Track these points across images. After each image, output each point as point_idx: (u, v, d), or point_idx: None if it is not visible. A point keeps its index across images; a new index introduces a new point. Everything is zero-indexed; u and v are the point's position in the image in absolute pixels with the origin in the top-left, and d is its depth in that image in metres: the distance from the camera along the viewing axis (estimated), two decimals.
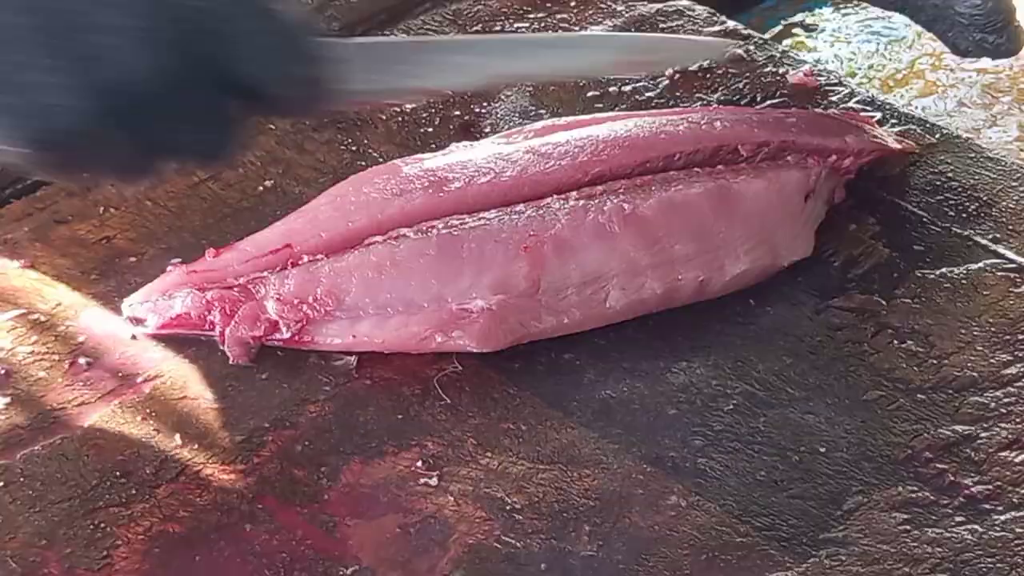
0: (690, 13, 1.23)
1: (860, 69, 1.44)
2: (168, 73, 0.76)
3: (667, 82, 1.16)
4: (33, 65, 0.74)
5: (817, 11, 1.24)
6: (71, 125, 0.75)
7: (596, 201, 0.96)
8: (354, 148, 1.09)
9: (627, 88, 1.15)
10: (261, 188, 1.06)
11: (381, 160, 1.07)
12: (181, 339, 0.95)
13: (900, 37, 1.42)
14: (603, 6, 1.24)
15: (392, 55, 0.88)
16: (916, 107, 1.41)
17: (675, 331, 0.96)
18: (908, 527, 0.84)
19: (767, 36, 1.27)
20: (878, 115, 1.12)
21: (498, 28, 1.21)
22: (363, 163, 1.07)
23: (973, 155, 1.09)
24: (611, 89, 1.15)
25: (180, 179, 1.06)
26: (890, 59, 1.44)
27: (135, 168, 0.81)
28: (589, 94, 1.14)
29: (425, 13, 1.23)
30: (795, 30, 1.29)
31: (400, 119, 1.12)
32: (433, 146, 1.08)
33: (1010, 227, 1.03)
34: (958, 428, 0.90)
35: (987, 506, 0.85)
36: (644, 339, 0.95)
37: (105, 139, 0.77)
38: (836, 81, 1.16)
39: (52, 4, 0.73)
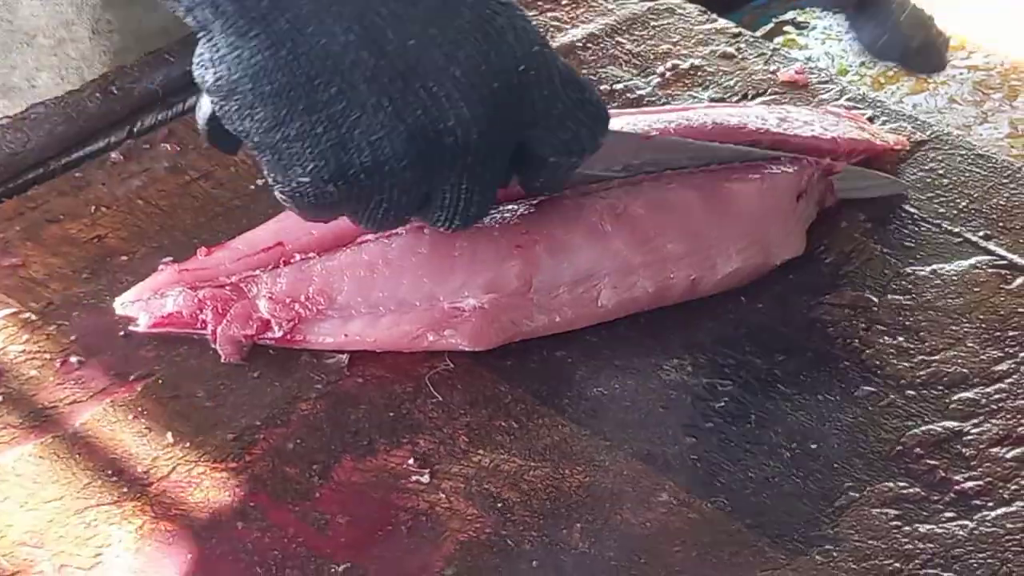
0: (681, 11, 1.24)
1: (851, 67, 1.45)
2: (478, 130, 0.80)
3: (659, 80, 1.16)
4: (361, 101, 0.78)
5: (808, 9, 1.24)
6: (377, 163, 0.80)
7: (589, 199, 0.96)
8: None
9: (619, 86, 1.15)
10: (252, 187, 1.06)
11: None
12: (173, 337, 0.95)
13: None
14: (595, 4, 1.24)
15: (618, 147, 0.95)
16: (907, 104, 1.42)
17: (667, 329, 0.96)
18: (899, 523, 0.84)
19: (758, 34, 1.27)
20: (869, 112, 1.12)
21: None
22: None
23: (964, 152, 1.09)
24: (602, 87, 1.15)
25: (171, 178, 1.06)
26: None
27: (392, 219, 0.86)
28: None
29: None
30: (786, 28, 1.30)
31: None
32: None
33: (1001, 224, 1.03)
34: (949, 424, 0.90)
35: (978, 502, 0.86)
36: (636, 337, 0.95)
37: (396, 183, 0.81)
38: (827, 79, 1.17)
39: (394, 45, 0.77)
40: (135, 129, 1.10)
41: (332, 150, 0.79)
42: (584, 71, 1.17)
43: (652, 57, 1.18)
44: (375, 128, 0.79)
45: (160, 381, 0.92)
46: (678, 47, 1.20)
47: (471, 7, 0.80)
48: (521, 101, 0.82)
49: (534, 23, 0.84)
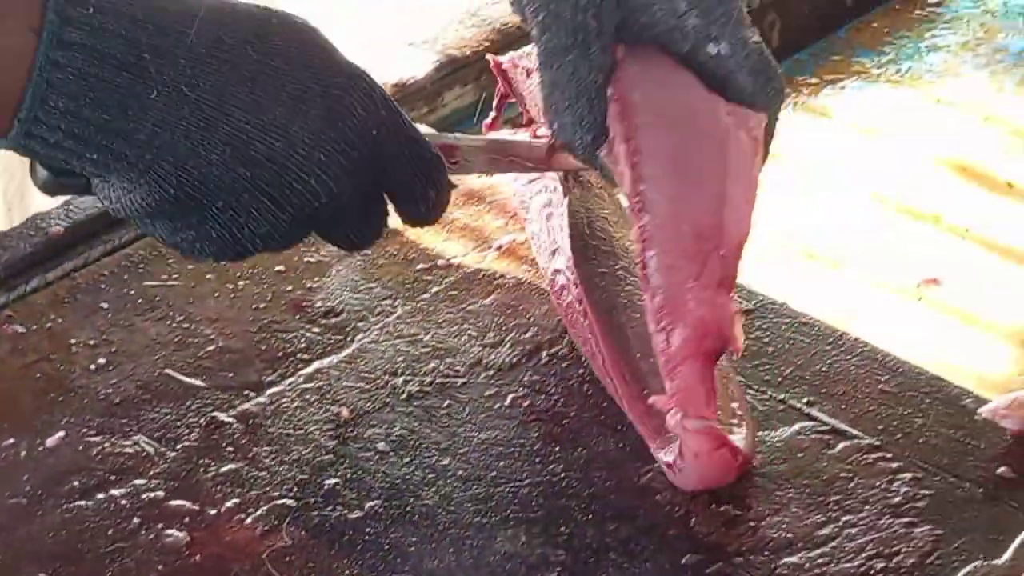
0: None
1: None
2: (347, 194, 0.91)
3: None
4: (245, 207, 0.89)
5: None
6: (268, 244, 0.92)
7: None
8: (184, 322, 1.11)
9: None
10: (93, 367, 1.07)
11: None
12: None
13: None
14: None
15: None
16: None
17: (503, 500, 0.97)
18: None
19: None
20: None
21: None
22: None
23: (788, 320, 1.12)
24: (439, 262, 1.17)
25: (13, 360, 1.06)
26: None
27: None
28: (419, 266, 1.17)
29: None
30: None
31: (233, 294, 1.13)
32: (265, 321, 1.11)
33: (823, 390, 1.06)
34: None
35: None
36: (471, 508, 0.97)
37: (290, 238, 0.93)
38: None
39: (262, 152, 0.88)
40: None
41: (227, 245, 0.91)
42: None
43: None
44: (261, 224, 0.90)
45: None
46: None
47: (321, 96, 0.89)
48: (380, 156, 0.92)
49: (378, 85, 0.93)
